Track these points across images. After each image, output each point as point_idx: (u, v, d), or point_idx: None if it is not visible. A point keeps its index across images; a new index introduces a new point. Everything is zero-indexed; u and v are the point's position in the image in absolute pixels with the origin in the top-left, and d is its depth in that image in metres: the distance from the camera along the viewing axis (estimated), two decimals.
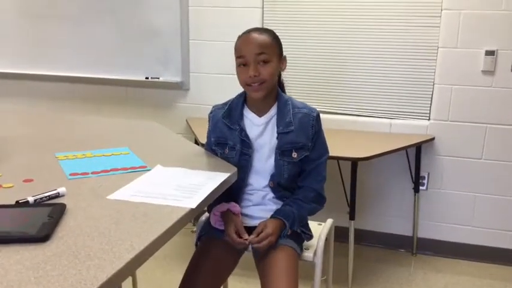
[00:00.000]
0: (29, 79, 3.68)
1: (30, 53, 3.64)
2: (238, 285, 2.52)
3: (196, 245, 1.81)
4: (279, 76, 1.79)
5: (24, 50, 3.65)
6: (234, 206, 1.67)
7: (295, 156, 1.68)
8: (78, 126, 2.23)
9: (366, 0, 2.92)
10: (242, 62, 1.62)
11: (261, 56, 1.61)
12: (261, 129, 1.70)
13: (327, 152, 1.78)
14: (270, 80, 1.64)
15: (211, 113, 1.79)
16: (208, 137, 1.81)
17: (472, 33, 2.79)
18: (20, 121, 2.31)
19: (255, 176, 1.72)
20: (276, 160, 1.68)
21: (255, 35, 1.63)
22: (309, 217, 1.79)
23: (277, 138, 1.68)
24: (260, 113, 1.71)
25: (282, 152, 1.67)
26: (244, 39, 1.64)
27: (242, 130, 1.69)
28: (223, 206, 1.66)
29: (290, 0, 3.05)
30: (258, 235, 1.61)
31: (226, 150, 1.70)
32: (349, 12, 2.97)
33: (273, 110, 1.70)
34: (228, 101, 1.78)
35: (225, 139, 1.72)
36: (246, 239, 1.61)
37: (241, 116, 1.71)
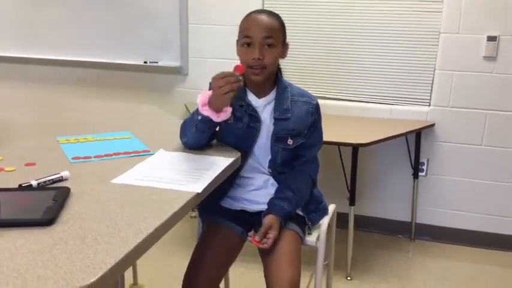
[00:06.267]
0: (27, 63, 3.63)
1: (28, 37, 3.59)
2: (239, 271, 2.52)
3: (201, 219, 1.81)
4: None
5: (22, 33, 3.60)
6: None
7: (291, 143, 1.68)
8: (78, 110, 2.21)
9: None
10: (247, 42, 1.59)
11: (268, 40, 1.59)
12: (260, 112, 1.69)
13: (322, 140, 1.79)
14: (272, 66, 1.64)
15: None
16: None
17: (474, 18, 2.77)
18: (20, 105, 2.28)
19: (259, 150, 1.70)
20: (271, 146, 1.68)
21: (265, 17, 1.60)
22: None
23: (273, 124, 1.67)
24: (259, 95, 1.69)
25: (277, 138, 1.67)
26: (253, 19, 1.61)
27: (249, 105, 1.67)
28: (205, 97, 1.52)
29: None
30: (263, 235, 1.59)
31: (231, 120, 1.65)
32: None
33: (272, 95, 1.69)
34: None
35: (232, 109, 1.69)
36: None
37: (245, 93, 1.69)
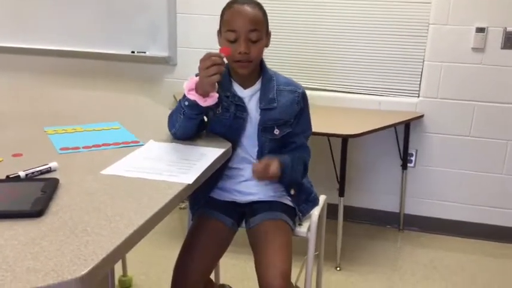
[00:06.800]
0: (13, 52, 3.56)
1: (13, 26, 3.52)
2: (229, 262, 2.52)
3: (191, 211, 1.80)
4: None
5: (7, 22, 3.53)
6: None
7: (277, 133, 1.67)
8: (66, 100, 2.18)
9: None
10: (232, 37, 1.56)
11: (254, 33, 1.56)
12: (246, 102, 1.67)
13: (311, 129, 1.78)
14: (258, 58, 1.63)
15: None
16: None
17: (463, 10, 2.78)
18: (6, 95, 2.24)
19: (247, 140, 1.69)
20: (258, 136, 1.66)
21: (248, 9, 1.56)
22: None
23: (259, 114, 1.65)
24: (245, 85, 1.68)
25: (264, 128, 1.66)
26: (236, 11, 1.57)
27: (235, 95, 1.66)
28: (192, 82, 1.52)
29: None
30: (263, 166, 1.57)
31: (219, 110, 1.65)
32: None
33: (257, 85, 1.68)
34: None
35: (219, 99, 1.65)
36: None
37: (230, 84, 1.67)
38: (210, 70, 1.43)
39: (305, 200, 1.78)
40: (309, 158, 1.77)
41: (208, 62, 1.43)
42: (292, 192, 1.73)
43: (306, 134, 1.76)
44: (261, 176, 1.60)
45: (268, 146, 1.68)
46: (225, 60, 1.49)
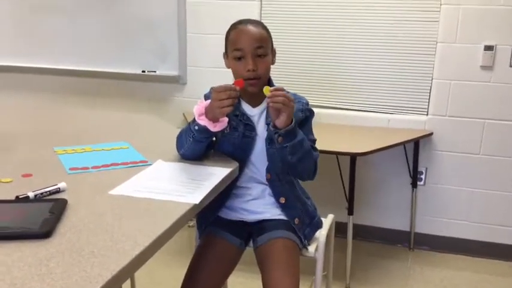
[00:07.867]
0: (24, 72, 3.63)
1: (24, 46, 3.59)
2: (236, 281, 2.50)
3: (198, 230, 1.79)
4: None
5: (18, 43, 3.60)
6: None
7: (281, 140, 1.66)
8: (76, 120, 2.20)
9: None
10: (239, 55, 1.60)
11: (259, 50, 1.60)
12: (255, 121, 1.69)
13: (313, 136, 1.74)
14: (266, 75, 1.65)
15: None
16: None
17: (471, 28, 2.78)
18: (16, 115, 2.27)
19: (255, 158, 1.69)
20: (267, 150, 1.66)
21: (252, 28, 1.61)
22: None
23: (266, 129, 1.66)
24: (253, 104, 1.70)
25: (271, 140, 1.65)
26: (241, 31, 1.61)
27: (244, 114, 1.67)
28: (202, 107, 1.53)
29: None
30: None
31: (227, 129, 1.65)
32: (347, 6, 2.95)
33: (265, 103, 1.68)
34: None
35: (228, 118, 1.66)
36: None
37: (239, 103, 1.69)
38: (224, 102, 1.46)
39: (308, 224, 1.76)
40: (317, 157, 1.71)
41: (223, 95, 1.46)
42: (296, 221, 1.71)
43: (311, 139, 1.72)
44: (278, 94, 1.50)
45: (278, 157, 1.67)
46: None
